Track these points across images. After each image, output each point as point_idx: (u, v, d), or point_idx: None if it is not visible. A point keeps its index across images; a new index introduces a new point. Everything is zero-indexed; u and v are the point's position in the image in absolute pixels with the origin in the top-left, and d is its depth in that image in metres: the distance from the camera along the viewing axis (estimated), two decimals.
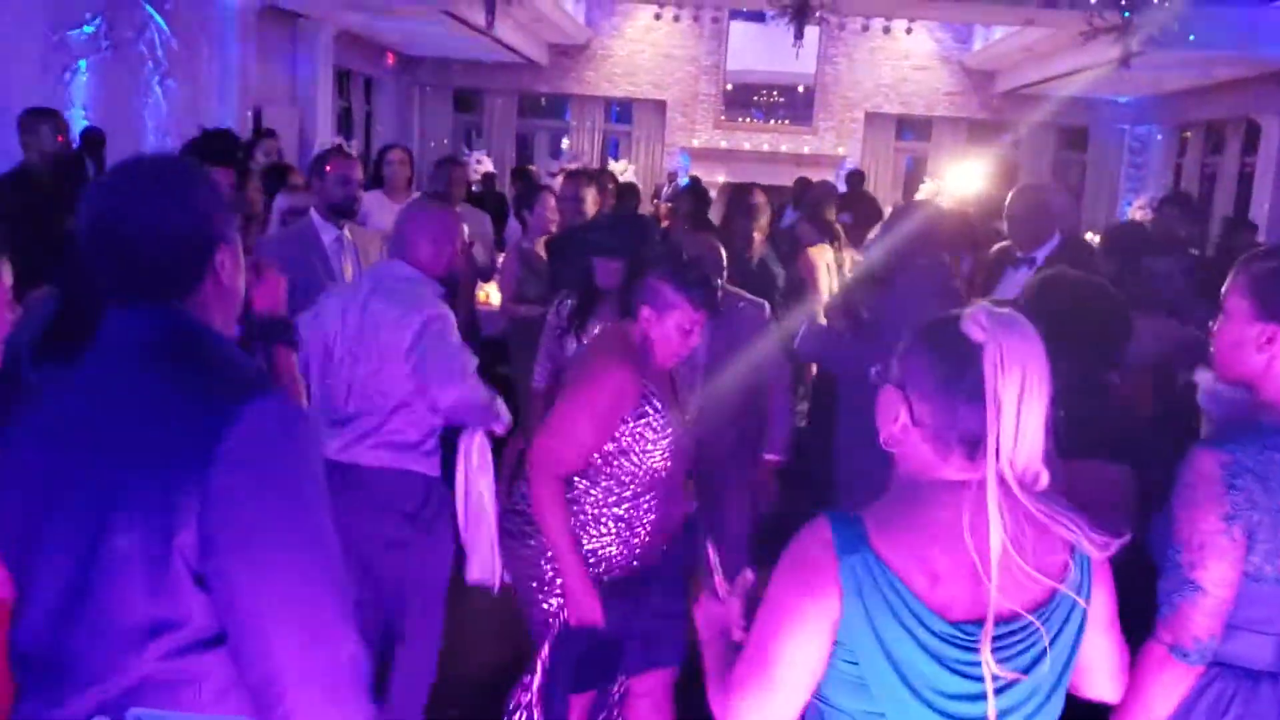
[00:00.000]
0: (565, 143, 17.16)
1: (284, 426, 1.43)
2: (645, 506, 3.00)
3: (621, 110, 17.30)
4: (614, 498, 2.97)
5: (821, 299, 5.11)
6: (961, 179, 10.42)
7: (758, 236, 5.50)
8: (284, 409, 1.44)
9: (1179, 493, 1.93)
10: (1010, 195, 4.62)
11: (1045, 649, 1.55)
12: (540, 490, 2.88)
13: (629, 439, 2.92)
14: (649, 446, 2.94)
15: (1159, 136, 14.98)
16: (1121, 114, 15.76)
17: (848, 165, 15.86)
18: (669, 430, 2.97)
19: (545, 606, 2.99)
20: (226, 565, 1.36)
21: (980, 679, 1.51)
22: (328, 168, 4.46)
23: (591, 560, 2.96)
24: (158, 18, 8.87)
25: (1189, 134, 14.38)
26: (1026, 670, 1.54)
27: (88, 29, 8.00)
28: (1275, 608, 1.92)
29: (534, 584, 3.00)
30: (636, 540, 3.00)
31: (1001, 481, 1.52)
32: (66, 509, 1.41)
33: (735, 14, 15.68)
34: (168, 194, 1.51)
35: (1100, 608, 1.65)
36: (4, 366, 2.36)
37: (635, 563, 3.01)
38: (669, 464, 2.99)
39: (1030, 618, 1.54)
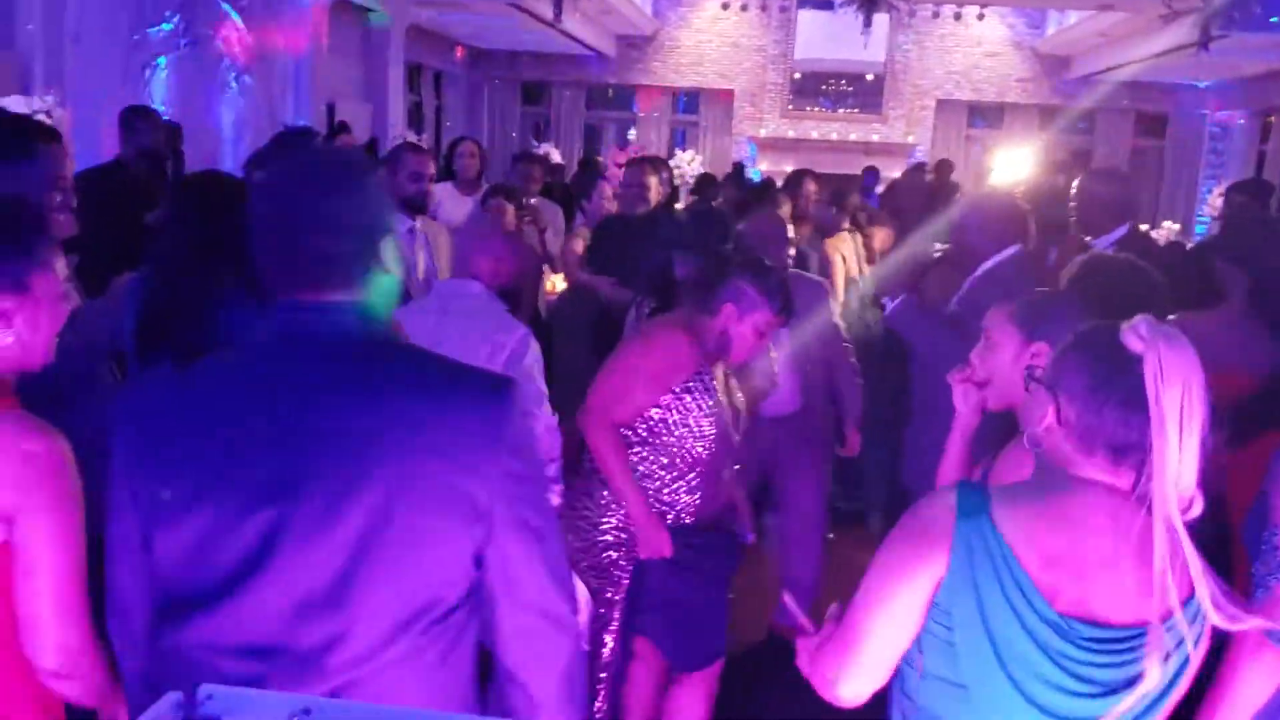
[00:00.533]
0: (632, 133, 17.19)
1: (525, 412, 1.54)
2: (685, 488, 3.08)
3: (689, 100, 17.29)
4: (654, 478, 3.06)
5: (835, 289, 5.16)
6: (1015, 165, 10.24)
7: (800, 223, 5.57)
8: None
9: (1274, 476, 1.92)
10: (1080, 179, 4.50)
11: (1138, 674, 1.52)
12: (595, 436, 3.02)
13: (674, 410, 3.00)
14: (691, 422, 3.01)
15: (1241, 121, 14.56)
16: (1202, 99, 15.38)
17: (918, 154, 15.70)
18: (715, 414, 3.03)
19: (609, 566, 3.08)
20: (508, 542, 1.49)
21: (1075, 675, 1.51)
22: (401, 163, 4.51)
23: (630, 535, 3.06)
24: (234, 14, 9.05)
25: (1273, 119, 13.97)
26: (1119, 687, 1.52)
27: (166, 26, 8.19)
28: None
29: (596, 550, 3.09)
30: (670, 522, 3.07)
31: (1165, 498, 1.50)
32: (320, 503, 1.42)
33: (803, 2, 15.59)
34: (354, 188, 1.52)
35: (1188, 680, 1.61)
36: (84, 356, 2.43)
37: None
38: (710, 450, 3.05)
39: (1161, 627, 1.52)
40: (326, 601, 1.41)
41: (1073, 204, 4.44)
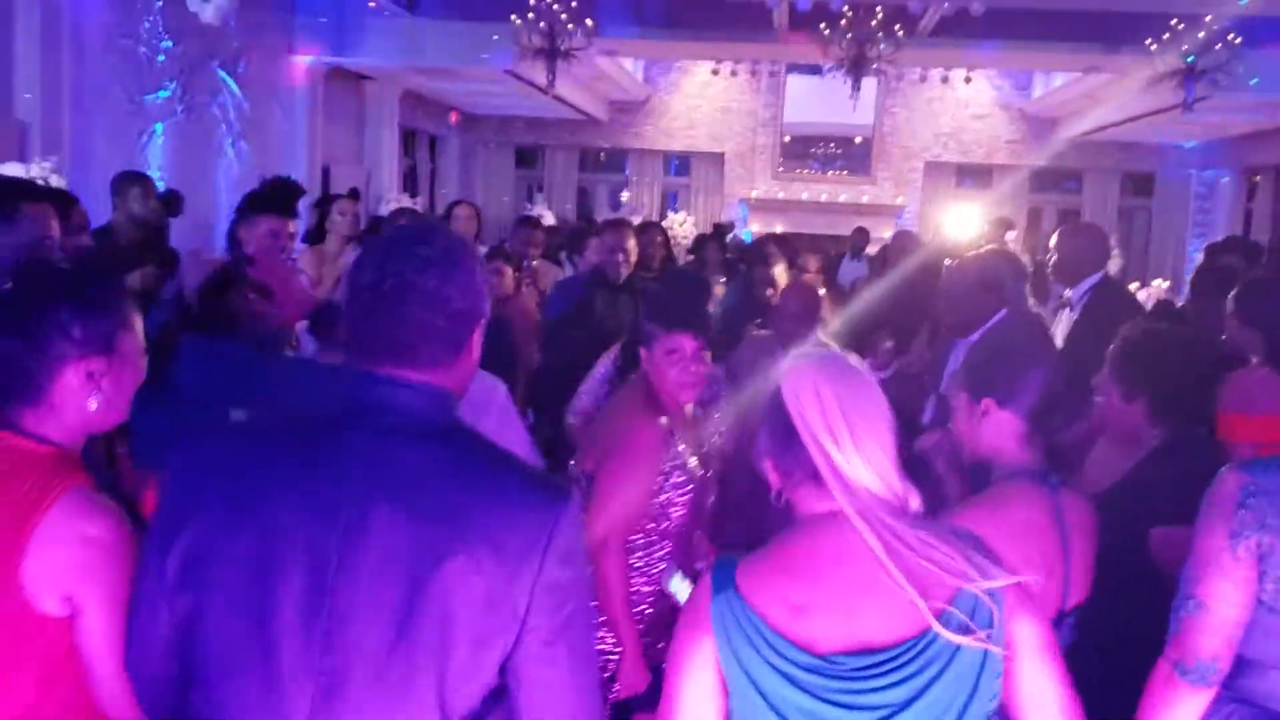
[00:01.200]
0: (625, 195, 17.33)
1: (580, 528, 1.53)
2: (659, 555, 2.98)
3: (680, 163, 17.45)
4: (636, 555, 2.95)
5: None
6: (953, 225, 10.34)
7: (777, 281, 5.68)
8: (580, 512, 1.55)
9: (1202, 511, 1.94)
10: (1060, 234, 4.68)
11: (927, 683, 1.51)
12: (609, 562, 2.85)
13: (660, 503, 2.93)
14: (664, 497, 2.92)
15: (1226, 180, 14.74)
16: (1188, 159, 15.57)
17: (906, 215, 15.85)
18: (687, 478, 2.96)
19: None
20: (544, 654, 1.46)
21: (864, 708, 1.51)
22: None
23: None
24: (230, 82, 9.17)
25: (1258, 178, 14.14)
26: (906, 704, 1.51)
27: (163, 93, 8.29)
28: None
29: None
30: (650, 593, 2.98)
31: (861, 512, 1.55)
32: (363, 585, 1.40)
33: (792, 68, 15.80)
34: (464, 269, 1.52)
35: (1026, 640, 1.58)
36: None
37: (653, 619, 2.97)
38: (685, 513, 2.97)
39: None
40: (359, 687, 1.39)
41: (1051, 256, 4.63)
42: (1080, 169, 16.24)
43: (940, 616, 1.52)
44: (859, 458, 1.56)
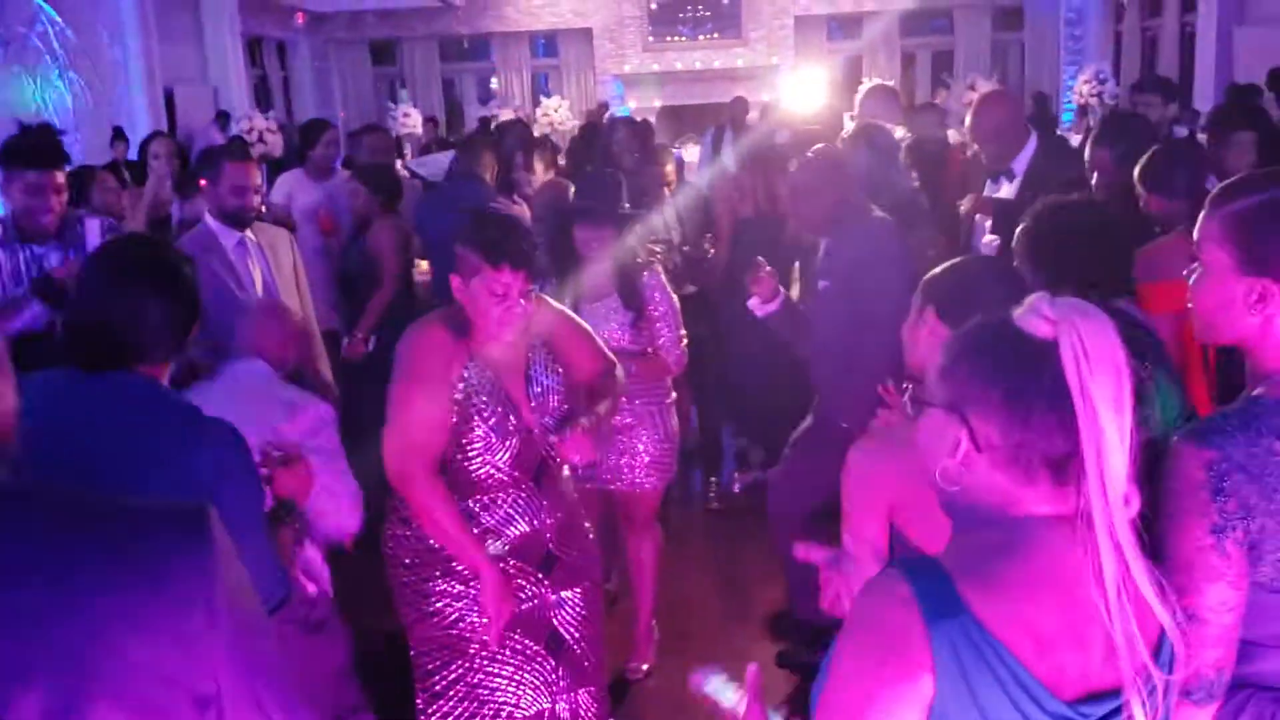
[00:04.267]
0: (494, 83, 16.66)
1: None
2: (501, 515, 2.72)
3: (547, 43, 16.81)
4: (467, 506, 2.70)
5: None
6: (799, 92, 9.94)
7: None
8: None
9: (1164, 501, 1.61)
10: (974, 112, 4.36)
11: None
12: (413, 488, 2.61)
13: (458, 439, 2.65)
14: (479, 444, 2.66)
15: (1095, 4, 14.70)
16: None
17: (782, 74, 15.55)
18: (506, 426, 2.68)
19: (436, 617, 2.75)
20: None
21: None
22: (220, 173, 3.93)
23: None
24: (47, 8, 8.37)
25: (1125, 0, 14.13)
26: None
27: None
28: None
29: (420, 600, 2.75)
30: (504, 537, 2.73)
31: (1109, 508, 1.24)
32: None
33: None
34: None
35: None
36: None
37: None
38: (511, 466, 2.70)
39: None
40: None
41: (971, 147, 4.38)
42: (949, 7, 16.04)
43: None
44: (1125, 450, 1.24)
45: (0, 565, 1.02)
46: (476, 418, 2.66)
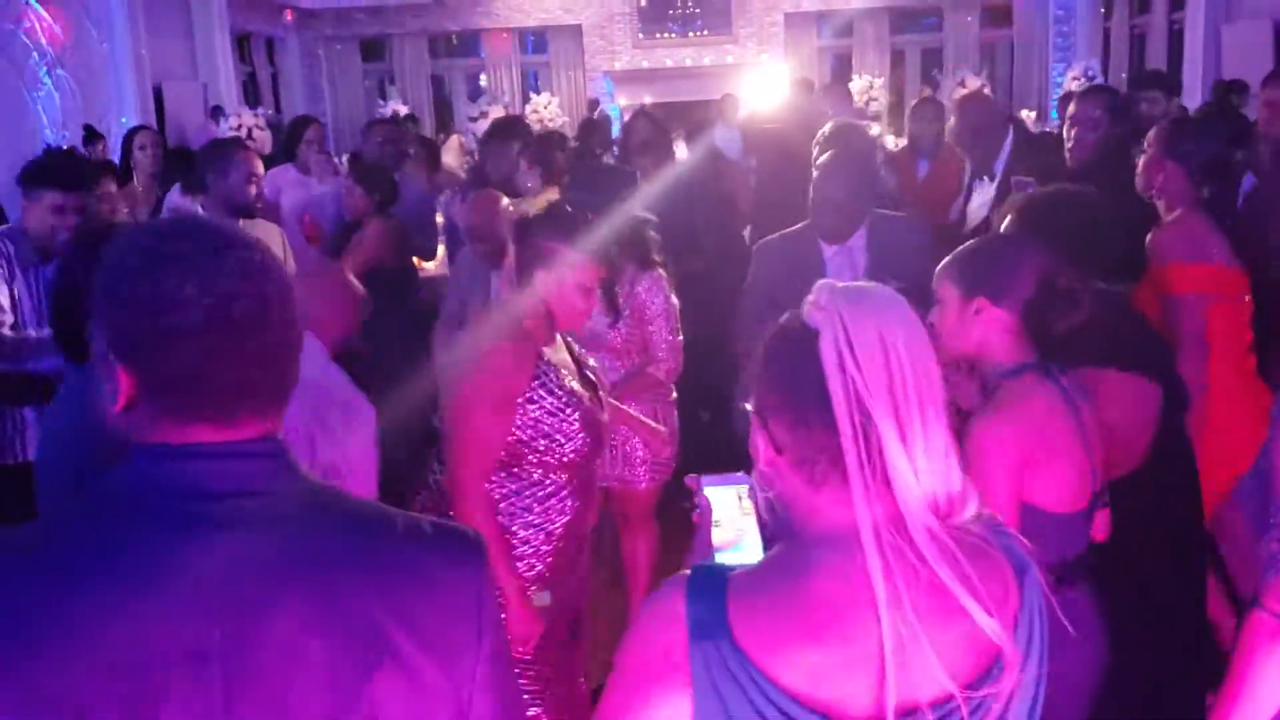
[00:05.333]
0: (484, 79, 16.62)
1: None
2: (560, 500, 2.75)
3: (537, 40, 16.77)
4: (524, 502, 2.72)
5: None
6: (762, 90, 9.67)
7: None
8: None
9: (1272, 438, 1.67)
10: (955, 117, 4.44)
11: None
12: (469, 506, 2.63)
13: (526, 429, 2.66)
14: (549, 431, 2.67)
15: (1083, 1, 14.73)
16: None
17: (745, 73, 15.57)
18: (572, 409, 2.70)
19: None
20: None
21: None
22: (234, 163, 4.02)
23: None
24: (36, 4, 8.32)
25: None
26: None
27: None
28: None
29: None
30: (549, 548, 2.75)
31: (894, 521, 1.16)
32: None
33: None
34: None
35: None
36: None
37: (547, 574, 2.76)
38: (581, 449, 2.73)
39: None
40: None
41: (954, 141, 4.43)
42: (939, 4, 16.06)
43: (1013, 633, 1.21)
44: (926, 450, 1.16)
45: (314, 560, 1.09)
46: (564, 410, 2.68)
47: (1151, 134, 3.20)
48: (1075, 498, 2.07)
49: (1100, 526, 2.20)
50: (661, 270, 3.80)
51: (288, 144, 6.34)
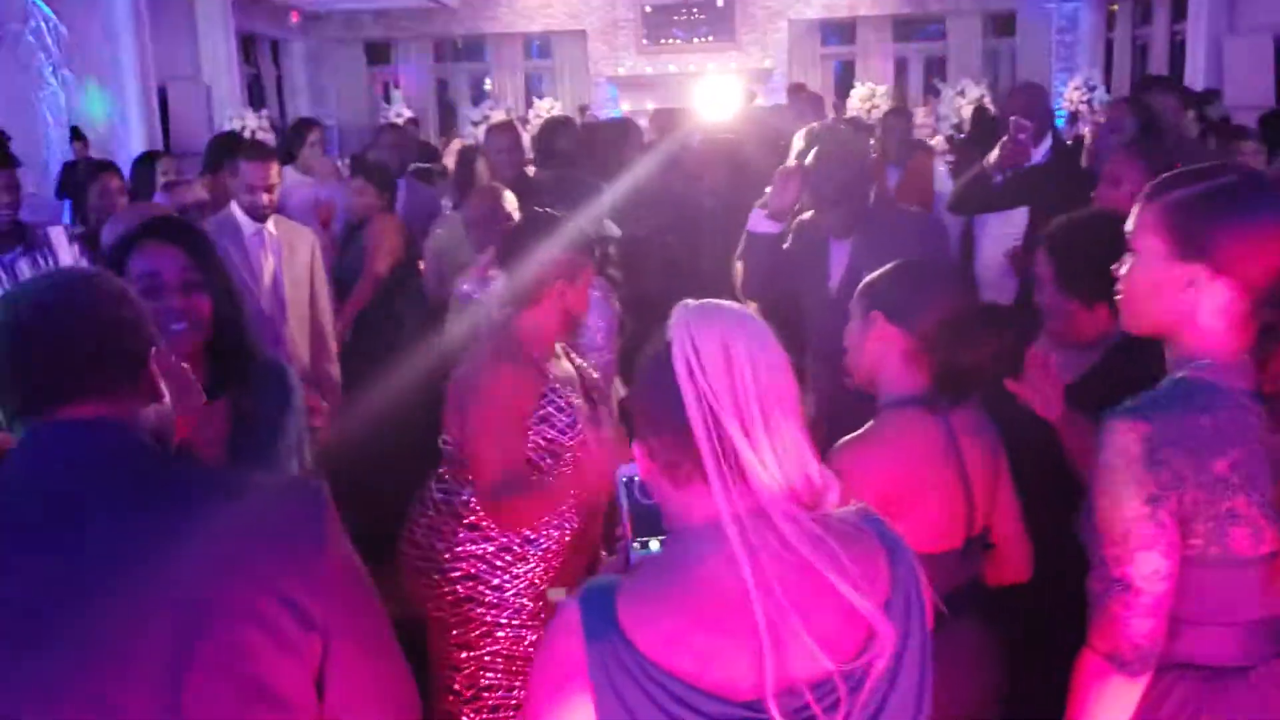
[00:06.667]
0: (488, 83, 16.67)
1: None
2: (557, 523, 2.79)
3: (541, 45, 16.82)
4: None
5: None
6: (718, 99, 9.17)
7: None
8: None
9: (1097, 475, 1.68)
10: (1010, 95, 4.45)
11: (881, 706, 1.26)
12: (510, 516, 2.69)
13: (537, 449, 2.72)
14: (560, 444, 2.73)
15: (1086, 12, 14.77)
16: None
17: (776, 78, 15.59)
18: (575, 420, 2.76)
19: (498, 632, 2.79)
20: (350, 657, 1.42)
21: None
22: (236, 172, 4.09)
23: (500, 597, 2.76)
24: (41, 5, 8.36)
25: (1115, 6, 14.20)
26: None
27: None
28: (1231, 592, 1.66)
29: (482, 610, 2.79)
30: (547, 565, 2.80)
31: (758, 513, 1.24)
32: None
33: None
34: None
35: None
36: None
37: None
38: (574, 443, 2.77)
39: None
40: None
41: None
42: (942, 13, 16.09)
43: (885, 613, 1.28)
44: (774, 446, 1.24)
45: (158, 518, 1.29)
46: (571, 428, 2.75)
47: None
48: (944, 538, 2.07)
49: (991, 566, 2.23)
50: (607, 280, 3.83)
51: (289, 146, 6.37)
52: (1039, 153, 4.13)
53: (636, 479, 1.50)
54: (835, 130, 4.09)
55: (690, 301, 1.31)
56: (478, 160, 5.46)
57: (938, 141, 10.79)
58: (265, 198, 4.04)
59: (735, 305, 1.33)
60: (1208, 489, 1.61)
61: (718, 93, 9.34)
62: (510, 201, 4.14)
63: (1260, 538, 1.63)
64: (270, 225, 4.11)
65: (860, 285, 2.22)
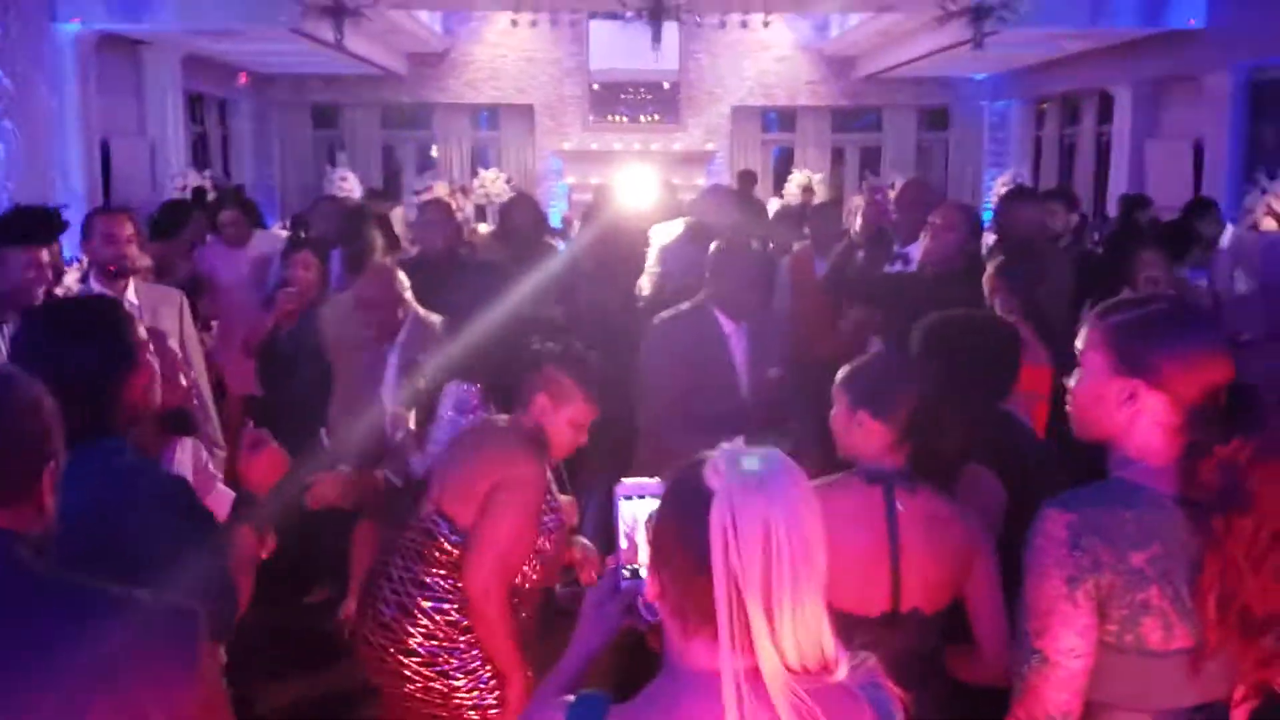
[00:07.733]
0: (434, 151, 16.81)
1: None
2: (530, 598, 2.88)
3: (489, 116, 17.04)
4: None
5: None
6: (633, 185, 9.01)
7: None
8: None
9: (1027, 556, 1.84)
10: (900, 188, 4.75)
11: None
12: (494, 608, 2.69)
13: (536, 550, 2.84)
14: (540, 548, 2.82)
15: (1017, 110, 15.35)
16: (980, 90, 16.11)
17: (717, 161, 15.95)
18: (556, 518, 2.87)
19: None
20: None
21: None
22: (91, 227, 4.11)
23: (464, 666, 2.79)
24: None
25: (1045, 106, 14.77)
26: None
27: None
28: (1144, 682, 1.80)
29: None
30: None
31: (756, 674, 1.24)
32: None
33: (593, 14, 15.55)
34: None
35: None
36: None
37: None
38: (551, 539, 2.86)
39: None
40: None
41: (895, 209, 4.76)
42: (879, 106, 16.62)
43: None
44: (796, 628, 1.24)
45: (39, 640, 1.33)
46: (557, 529, 2.86)
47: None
48: (860, 603, 2.17)
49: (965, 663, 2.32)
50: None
51: (211, 215, 6.51)
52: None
53: (634, 498, 1.55)
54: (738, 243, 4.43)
55: (737, 453, 1.29)
56: (366, 227, 5.46)
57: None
58: (125, 248, 4.05)
59: (784, 464, 1.31)
60: (1124, 577, 1.76)
61: (640, 178, 9.55)
62: (401, 282, 4.19)
63: (1171, 633, 1.77)
64: (130, 293, 4.02)
65: (846, 375, 2.40)
